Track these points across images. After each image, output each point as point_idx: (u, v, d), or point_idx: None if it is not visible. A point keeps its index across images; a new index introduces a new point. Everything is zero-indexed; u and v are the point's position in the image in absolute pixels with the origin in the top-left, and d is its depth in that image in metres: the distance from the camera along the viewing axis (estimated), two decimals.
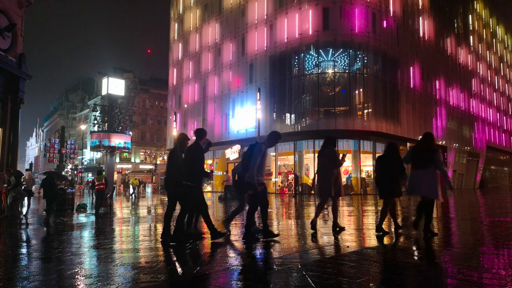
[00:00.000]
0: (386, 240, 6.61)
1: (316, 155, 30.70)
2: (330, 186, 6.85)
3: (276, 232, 6.68)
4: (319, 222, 9.75)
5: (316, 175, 7.19)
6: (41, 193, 27.27)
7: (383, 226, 6.84)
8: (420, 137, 6.68)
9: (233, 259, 5.05)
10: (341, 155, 7.13)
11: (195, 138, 6.52)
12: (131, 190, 26.35)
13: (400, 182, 6.77)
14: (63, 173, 31.19)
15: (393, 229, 7.06)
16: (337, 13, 27.83)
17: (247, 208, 6.52)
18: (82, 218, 11.66)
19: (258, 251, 5.50)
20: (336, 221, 7.09)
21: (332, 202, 7.14)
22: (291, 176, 29.21)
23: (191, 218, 6.64)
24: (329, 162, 6.94)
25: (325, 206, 7.76)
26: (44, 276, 4.34)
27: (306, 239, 6.62)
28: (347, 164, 28.16)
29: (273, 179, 29.74)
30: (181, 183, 6.05)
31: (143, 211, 14.51)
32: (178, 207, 6.38)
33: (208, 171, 7.08)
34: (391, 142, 7.11)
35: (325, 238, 6.69)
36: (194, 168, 6.15)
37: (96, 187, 13.49)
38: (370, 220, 9.90)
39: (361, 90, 27.65)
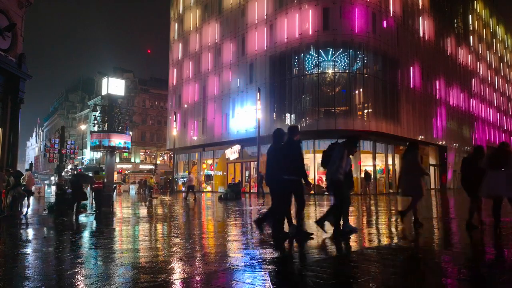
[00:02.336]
0: (386, 240, 6.61)
1: (317, 155, 30.65)
2: (420, 186, 7.47)
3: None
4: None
5: (400, 177, 7.95)
6: (41, 193, 27.34)
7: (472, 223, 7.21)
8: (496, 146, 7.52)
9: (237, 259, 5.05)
10: (425, 171, 7.91)
11: (288, 134, 6.64)
12: (147, 191, 25.46)
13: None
14: (63, 173, 31.20)
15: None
16: (337, 13, 27.81)
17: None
18: (82, 218, 11.66)
19: (258, 251, 5.50)
20: (416, 217, 7.59)
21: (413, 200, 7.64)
22: None
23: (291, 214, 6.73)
24: (411, 166, 7.54)
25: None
26: (44, 276, 4.34)
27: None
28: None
29: None
30: (283, 178, 6.24)
31: (145, 211, 14.50)
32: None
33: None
34: (479, 145, 8.01)
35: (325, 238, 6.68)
36: (294, 163, 6.29)
37: (95, 186, 13.66)
38: (370, 220, 9.89)
39: (361, 90, 27.64)
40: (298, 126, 7.01)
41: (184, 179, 40.37)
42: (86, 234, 8.18)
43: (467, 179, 7.36)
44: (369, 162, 27.94)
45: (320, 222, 6.84)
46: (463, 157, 8.19)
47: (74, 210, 12.95)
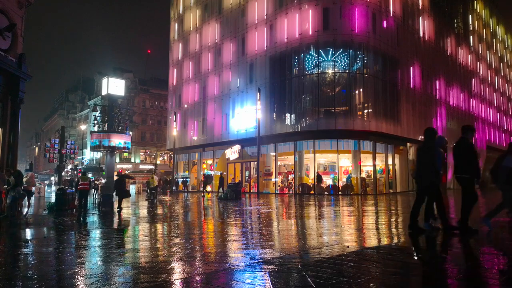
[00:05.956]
0: (386, 240, 6.61)
1: (317, 154, 30.45)
2: None
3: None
4: (319, 221, 9.75)
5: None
6: (41, 193, 27.37)
7: None
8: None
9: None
10: None
11: (462, 134, 6.95)
12: (148, 191, 24.35)
13: None
14: (63, 173, 31.23)
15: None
16: (337, 13, 27.77)
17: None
18: (81, 218, 11.66)
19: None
20: None
21: None
22: (291, 176, 29.20)
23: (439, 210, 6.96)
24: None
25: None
26: (44, 276, 4.34)
27: (306, 239, 6.62)
28: (347, 164, 28.17)
29: (273, 179, 29.75)
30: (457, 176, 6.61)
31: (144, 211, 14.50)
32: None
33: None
34: None
35: (325, 238, 6.69)
36: (470, 161, 6.65)
37: (80, 187, 13.89)
38: (370, 220, 9.91)
39: (361, 90, 27.61)
40: (474, 127, 7.10)
41: (184, 179, 40.44)
42: (87, 234, 8.18)
43: None
44: (369, 162, 27.94)
45: None
46: None
47: (118, 207, 13.61)
